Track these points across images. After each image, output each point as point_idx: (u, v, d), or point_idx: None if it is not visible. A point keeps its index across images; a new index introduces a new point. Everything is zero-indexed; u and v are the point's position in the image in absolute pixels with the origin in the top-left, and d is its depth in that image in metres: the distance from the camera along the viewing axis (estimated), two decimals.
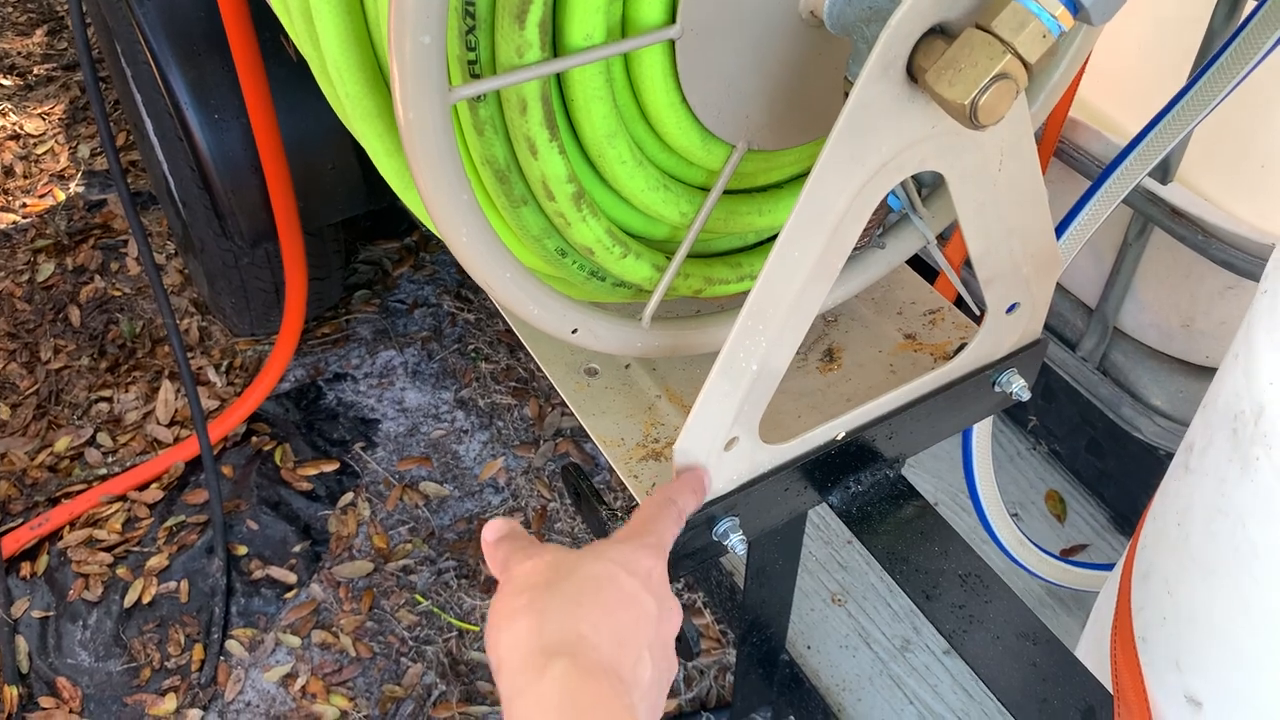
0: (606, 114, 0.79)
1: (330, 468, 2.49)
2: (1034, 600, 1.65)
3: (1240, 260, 1.36)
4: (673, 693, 2.17)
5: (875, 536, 1.02)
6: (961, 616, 0.97)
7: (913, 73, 0.75)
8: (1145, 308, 1.57)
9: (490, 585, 2.29)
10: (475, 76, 0.74)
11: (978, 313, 1.18)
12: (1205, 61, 1.16)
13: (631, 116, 0.83)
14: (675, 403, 1.08)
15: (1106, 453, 1.73)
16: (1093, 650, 1.04)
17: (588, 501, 1.06)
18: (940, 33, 0.74)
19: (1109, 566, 1.63)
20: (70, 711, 2.08)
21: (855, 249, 1.03)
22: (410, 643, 2.23)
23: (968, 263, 1.78)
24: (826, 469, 1.01)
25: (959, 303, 1.45)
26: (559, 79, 0.78)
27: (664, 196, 0.88)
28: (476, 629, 2.24)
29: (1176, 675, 0.86)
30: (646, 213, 0.89)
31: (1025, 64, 0.72)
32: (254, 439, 2.53)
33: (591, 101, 0.78)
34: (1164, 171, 1.39)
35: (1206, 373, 1.54)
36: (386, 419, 2.60)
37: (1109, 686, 0.93)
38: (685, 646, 1.01)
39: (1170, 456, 1.65)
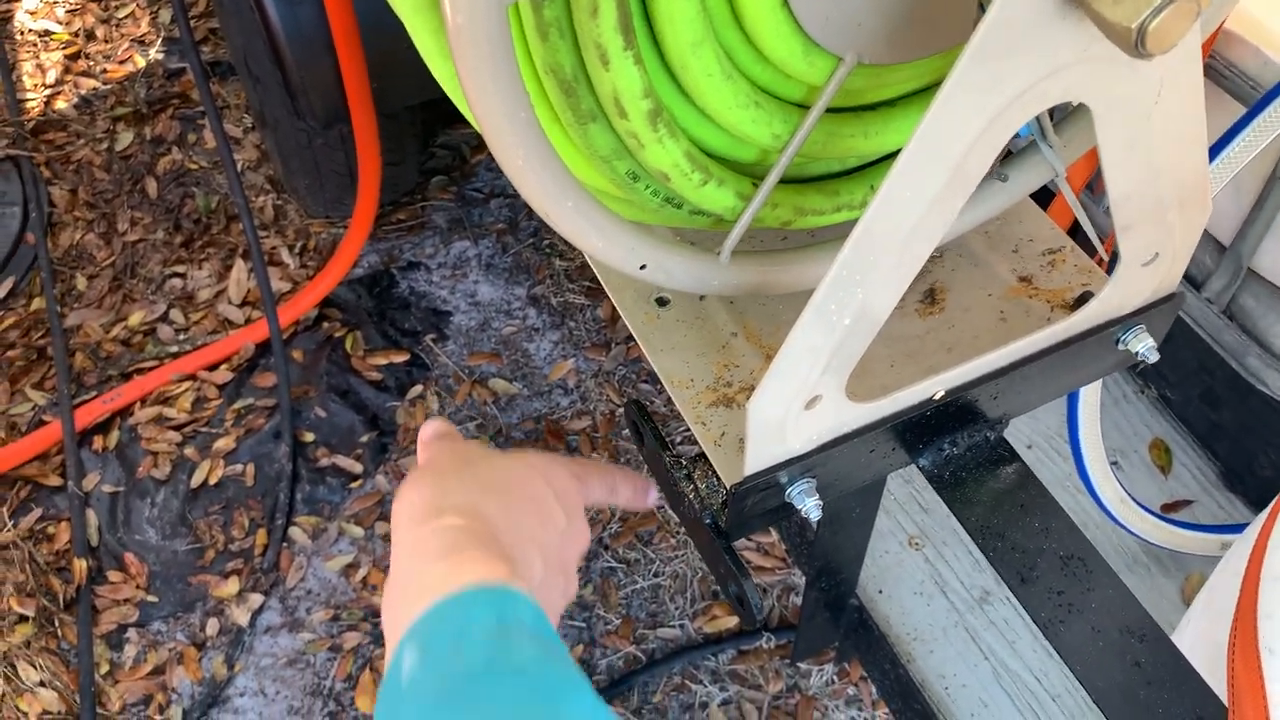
0: (693, 18, 0.67)
1: (400, 358, 2.45)
2: (1128, 558, 1.53)
3: None
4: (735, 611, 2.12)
5: (969, 507, 0.92)
6: (1059, 604, 0.87)
7: None
8: None
9: None
10: None
11: (1099, 249, 1.05)
12: None
13: (722, 20, 0.71)
14: (753, 342, 0.98)
15: (1223, 404, 1.59)
16: (1199, 646, 0.94)
17: (651, 444, 0.97)
18: None
19: (1215, 529, 1.51)
20: (137, 587, 2.11)
21: None
22: None
23: (1088, 186, 1.62)
24: (919, 429, 0.91)
25: (1074, 231, 1.31)
26: None
27: (754, 115, 0.76)
28: None
29: None
30: (733, 133, 0.78)
31: None
32: (325, 324, 2.49)
33: (676, 3, 0.66)
34: None
35: None
36: (458, 312, 2.54)
37: (1222, 696, 0.83)
38: (748, 612, 0.93)
39: None
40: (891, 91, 0.84)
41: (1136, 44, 0.59)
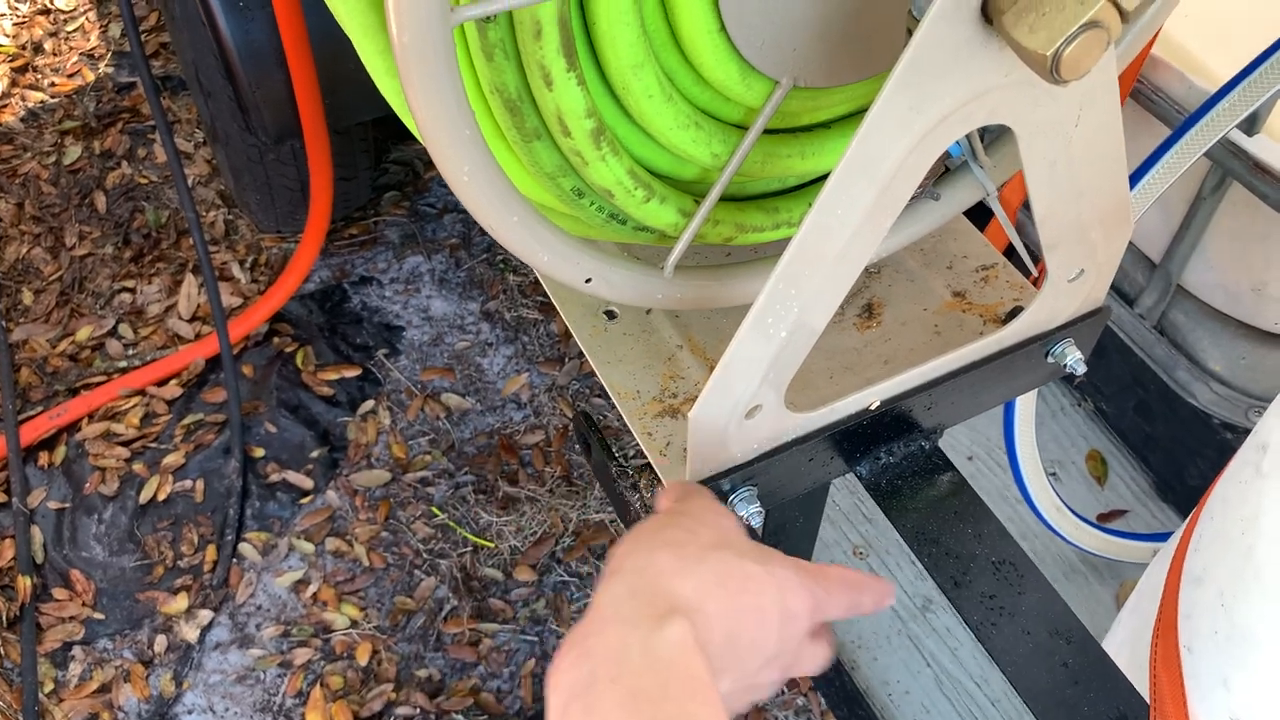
0: (633, 41, 0.70)
1: (352, 373, 2.45)
2: (1065, 566, 1.58)
3: None
4: None
5: (904, 514, 0.95)
6: (991, 607, 0.90)
7: (988, 12, 0.65)
8: (1213, 267, 1.46)
9: (506, 503, 2.26)
10: None
11: (1033, 268, 1.09)
12: None
13: (662, 43, 0.74)
14: (698, 355, 1.00)
15: (1156, 416, 1.64)
16: (1127, 647, 0.97)
17: (599, 455, 0.99)
18: None
19: (1148, 537, 1.56)
20: (83, 604, 2.09)
21: None
22: (424, 555, 2.20)
23: (1026, 204, 1.67)
24: (856, 439, 0.94)
25: (1009, 252, 1.35)
26: None
27: (694, 135, 0.79)
28: (492, 545, 2.21)
29: (1224, 694, 0.79)
30: (674, 152, 0.80)
31: (1121, 11, 0.62)
32: (276, 339, 2.49)
33: (617, 26, 0.69)
34: (1251, 122, 1.27)
35: (1274, 340, 1.44)
36: (411, 326, 2.54)
37: (1145, 694, 0.86)
38: None
39: (1225, 427, 1.56)
40: (826, 114, 0.87)
41: (1052, 70, 0.63)
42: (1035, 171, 0.79)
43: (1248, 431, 1.49)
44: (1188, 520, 0.96)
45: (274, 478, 2.28)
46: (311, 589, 2.15)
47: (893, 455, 0.98)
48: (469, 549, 2.21)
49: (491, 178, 0.70)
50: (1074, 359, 0.98)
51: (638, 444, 0.97)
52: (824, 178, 0.96)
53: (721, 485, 0.88)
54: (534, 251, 0.77)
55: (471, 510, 2.26)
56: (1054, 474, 1.72)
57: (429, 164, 2.84)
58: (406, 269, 2.65)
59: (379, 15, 0.73)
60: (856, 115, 0.89)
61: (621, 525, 2.21)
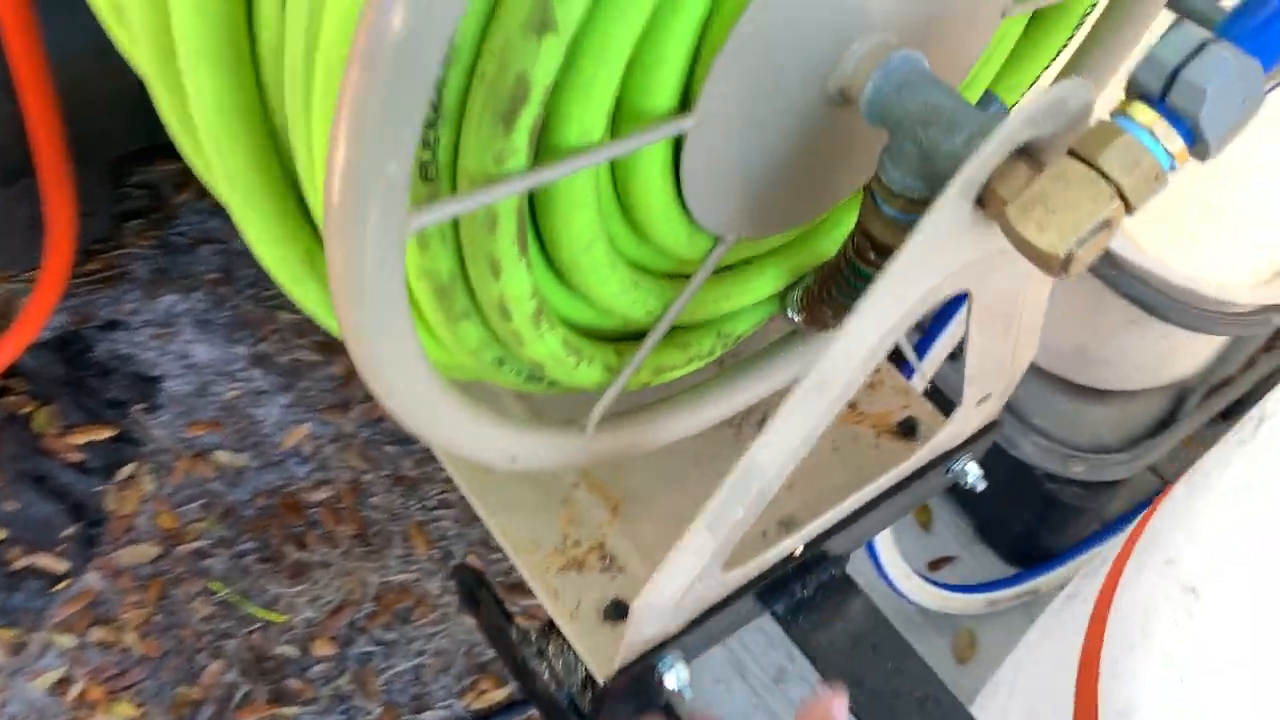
0: (589, 221, 0.60)
1: (105, 434, 2.17)
2: (905, 620, 1.61)
3: (1146, 296, 1.32)
4: (504, 682, 2.05)
5: (824, 653, 0.91)
6: None
7: (982, 198, 0.60)
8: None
9: (296, 570, 2.07)
10: (429, 180, 0.53)
11: (916, 363, 1.08)
12: None
13: (610, 214, 0.65)
14: (597, 492, 0.91)
15: (980, 466, 1.70)
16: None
17: (492, 616, 0.89)
18: (1023, 153, 0.59)
19: (981, 588, 1.61)
20: None
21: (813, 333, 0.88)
22: (207, 637, 1.99)
23: None
24: (778, 584, 0.88)
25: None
26: None
27: (633, 297, 0.70)
28: (283, 619, 2.03)
29: None
30: (610, 313, 0.71)
31: (1128, 206, 0.58)
32: (8, 398, 2.16)
33: (575, 209, 0.59)
34: None
35: (1093, 394, 1.51)
36: (170, 376, 2.28)
37: None
38: None
39: (1048, 478, 1.63)
40: (748, 253, 0.81)
41: (1059, 268, 0.58)
42: (980, 327, 0.76)
43: (1067, 480, 1.57)
44: (1090, 615, 0.97)
45: (19, 564, 1.99)
46: (76, 689, 1.90)
47: (806, 589, 0.93)
48: (258, 625, 2.02)
49: (426, 391, 0.58)
50: (975, 475, 0.98)
51: (494, 540, 0.87)
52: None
53: (653, 661, 0.80)
54: (458, 445, 0.66)
55: (257, 582, 2.06)
56: None
57: (178, 187, 2.55)
58: (160, 310, 2.37)
59: (266, 179, 0.59)
60: (778, 250, 0.83)
61: (427, 585, 2.08)
